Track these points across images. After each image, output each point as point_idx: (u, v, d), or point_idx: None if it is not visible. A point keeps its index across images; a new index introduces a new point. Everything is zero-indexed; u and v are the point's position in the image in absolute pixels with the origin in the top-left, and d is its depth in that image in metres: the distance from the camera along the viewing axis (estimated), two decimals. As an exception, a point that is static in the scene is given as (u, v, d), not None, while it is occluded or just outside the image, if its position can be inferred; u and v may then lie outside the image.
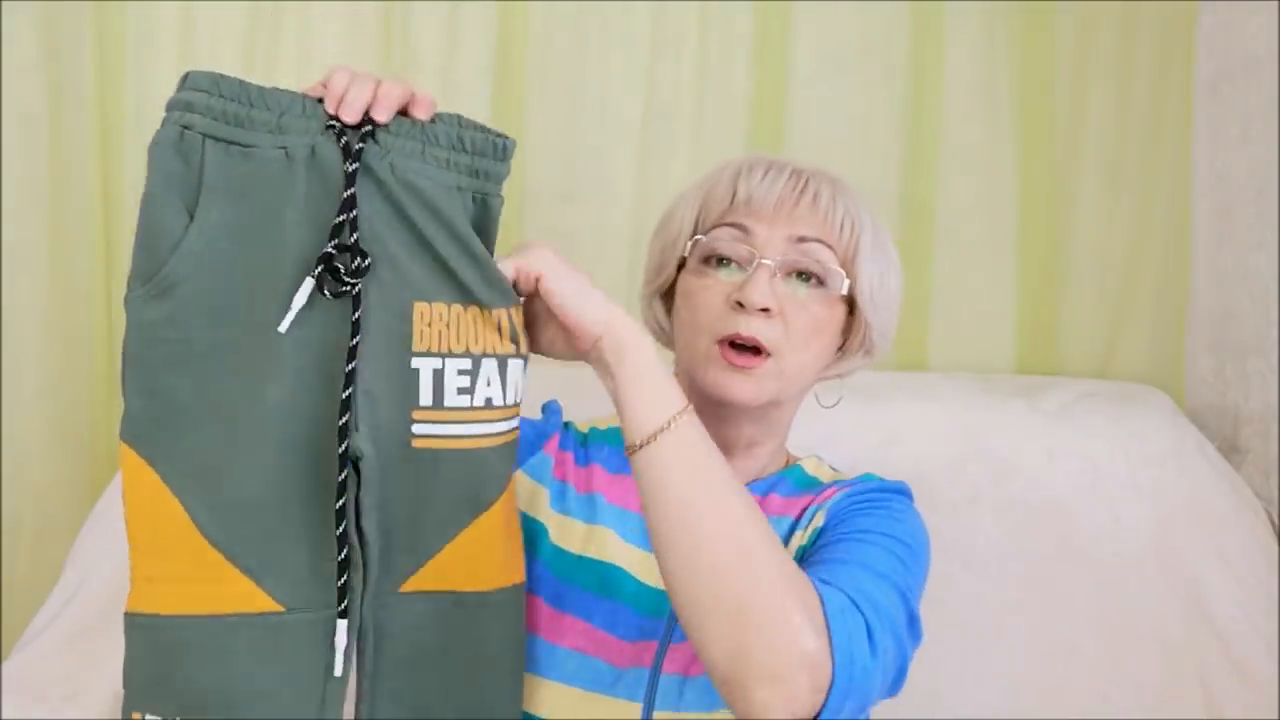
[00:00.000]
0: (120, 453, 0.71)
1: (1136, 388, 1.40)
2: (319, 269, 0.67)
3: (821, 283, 0.88)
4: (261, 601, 0.70)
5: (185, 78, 0.69)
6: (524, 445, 0.93)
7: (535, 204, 1.51)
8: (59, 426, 1.53)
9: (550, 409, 0.99)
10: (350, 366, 0.68)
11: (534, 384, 1.05)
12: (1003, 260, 1.50)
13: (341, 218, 0.68)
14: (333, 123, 0.69)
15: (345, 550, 0.69)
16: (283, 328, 0.67)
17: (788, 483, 0.93)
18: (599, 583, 0.87)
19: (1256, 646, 1.19)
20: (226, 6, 1.50)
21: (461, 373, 0.72)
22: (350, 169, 0.68)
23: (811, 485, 0.93)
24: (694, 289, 0.89)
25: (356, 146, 0.69)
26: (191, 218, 0.68)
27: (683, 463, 0.73)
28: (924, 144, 1.49)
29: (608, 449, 0.95)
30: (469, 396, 0.72)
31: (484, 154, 0.74)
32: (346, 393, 0.68)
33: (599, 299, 0.76)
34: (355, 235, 0.68)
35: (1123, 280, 1.49)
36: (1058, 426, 1.30)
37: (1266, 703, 1.16)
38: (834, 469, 0.98)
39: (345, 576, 0.70)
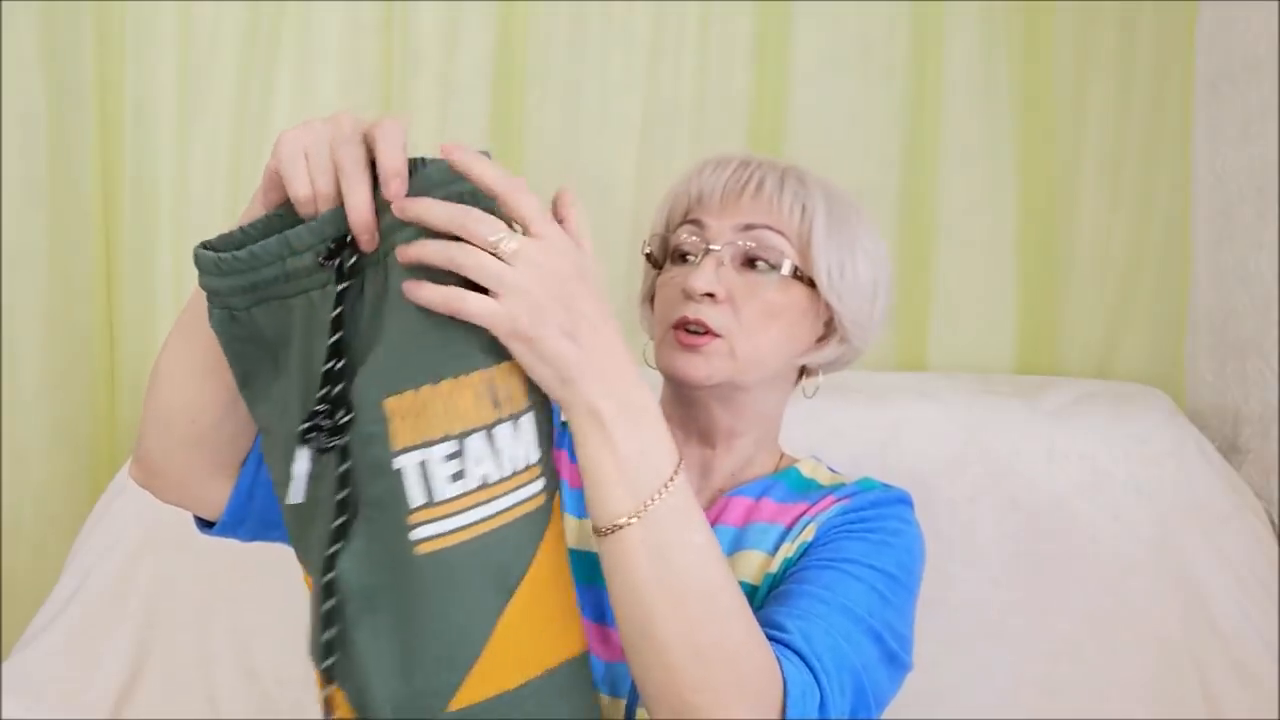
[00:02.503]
0: None
1: (1136, 388, 1.40)
2: (308, 433, 0.64)
3: (772, 267, 0.89)
4: None
5: (196, 261, 0.69)
6: None
7: (535, 204, 1.51)
8: (59, 426, 1.53)
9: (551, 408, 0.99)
10: (338, 521, 0.65)
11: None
12: (1003, 260, 1.50)
13: (330, 364, 0.65)
14: (325, 254, 0.65)
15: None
16: (291, 499, 0.65)
17: (783, 486, 0.92)
18: (585, 573, 0.87)
19: (1256, 646, 1.19)
20: (226, 6, 1.50)
21: (449, 458, 0.64)
22: (334, 314, 0.65)
23: (808, 488, 0.92)
24: (659, 286, 0.92)
25: (337, 288, 0.65)
26: (278, 375, 0.69)
27: (648, 554, 0.67)
28: (924, 144, 1.49)
29: None
30: (462, 482, 0.65)
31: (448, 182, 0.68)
32: (338, 521, 0.65)
33: (580, 362, 0.66)
34: (340, 386, 0.64)
35: (1123, 280, 1.49)
36: (1058, 426, 1.30)
37: (1266, 703, 1.16)
38: (832, 470, 0.97)
39: None
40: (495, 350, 0.65)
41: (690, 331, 0.86)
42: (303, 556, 0.71)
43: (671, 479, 0.68)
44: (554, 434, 0.71)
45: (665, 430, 0.69)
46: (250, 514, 0.81)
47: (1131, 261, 1.49)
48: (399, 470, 0.64)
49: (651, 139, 1.51)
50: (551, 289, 0.64)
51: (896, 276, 1.48)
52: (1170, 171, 1.48)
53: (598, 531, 0.68)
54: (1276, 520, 1.29)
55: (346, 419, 0.64)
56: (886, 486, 0.93)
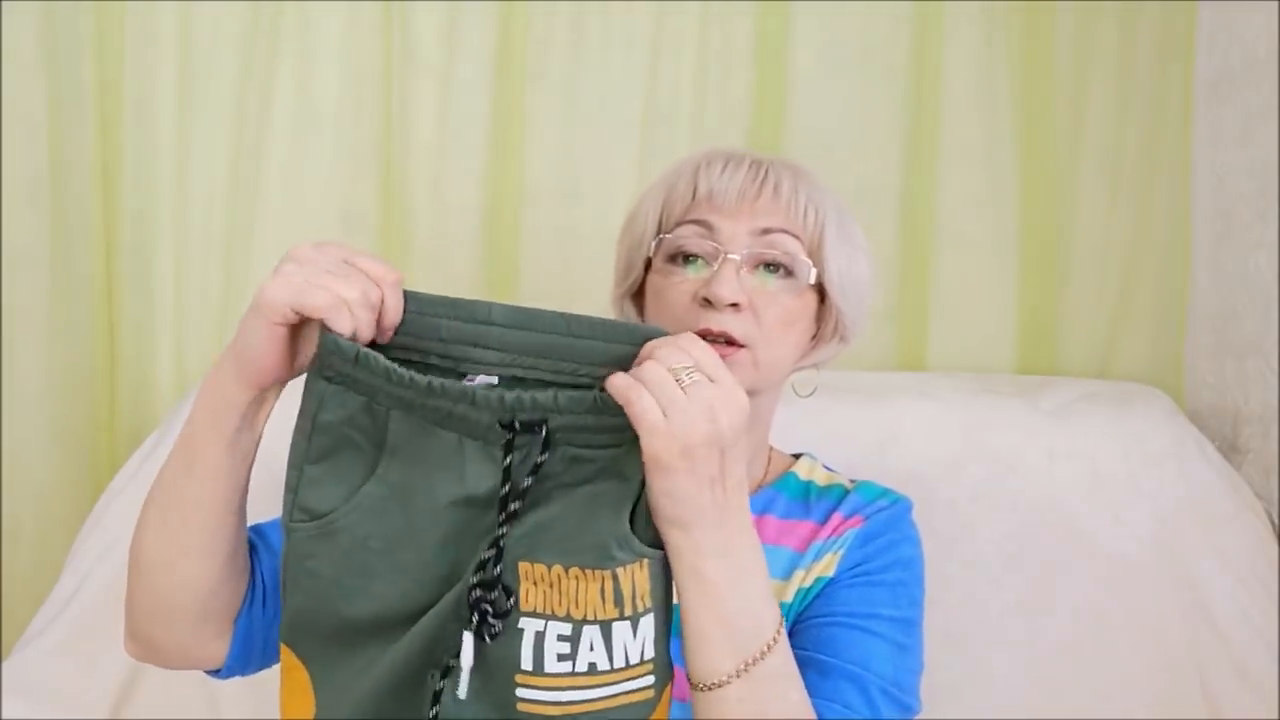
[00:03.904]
0: (282, 653, 0.73)
1: (1136, 388, 1.40)
2: (474, 618, 0.65)
3: (789, 273, 0.87)
4: None
5: (357, 357, 0.67)
6: None
7: (535, 204, 1.51)
8: (59, 426, 1.53)
9: None
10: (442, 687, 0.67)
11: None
12: (1003, 260, 1.50)
13: (490, 553, 0.65)
14: (508, 426, 0.66)
15: None
16: (462, 693, 0.66)
17: (783, 498, 0.92)
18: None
19: (1256, 646, 1.19)
20: (226, 6, 1.50)
21: (561, 638, 0.66)
22: (507, 511, 0.66)
23: (807, 493, 0.92)
24: (663, 288, 0.88)
25: (525, 481, 0.66)
26: (372, 472, 0.69)
27: (744, 715, 0.68)
28: (924, 143, 1.49)
29: None
30: (570, 663, 0.66)
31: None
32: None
33: (701, 515, 0.66)
34: (500, 567, 0.66)
35: (1123, 280, 1.49)
36: (1058, 426, 1.30)
37: (1266, 703, 1.16)
38: (828, 469, 0.97)
39: None
40: (629, 549, 0.66)
41: (712, 341, 0.83)
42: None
43: (774, 640, 0.68)
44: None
45: (770, 591, 0.69)
46: (253, 653, 0.81)
47: (1131, 261, 1.49)
48: (520, 629, 0.66)
49: (651, 139, 1.51)
50: (713, 434, 0.64)
51: (896, 276, 1.50)
52: (1170, 171, 1.48)
53: (695, 685, 0.68)
54: (1276, 520, 1.29)
55: (511, 602, 0.65)
56: (886, 492, 0.92)
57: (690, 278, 0.86)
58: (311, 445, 0.69)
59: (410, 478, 0.68)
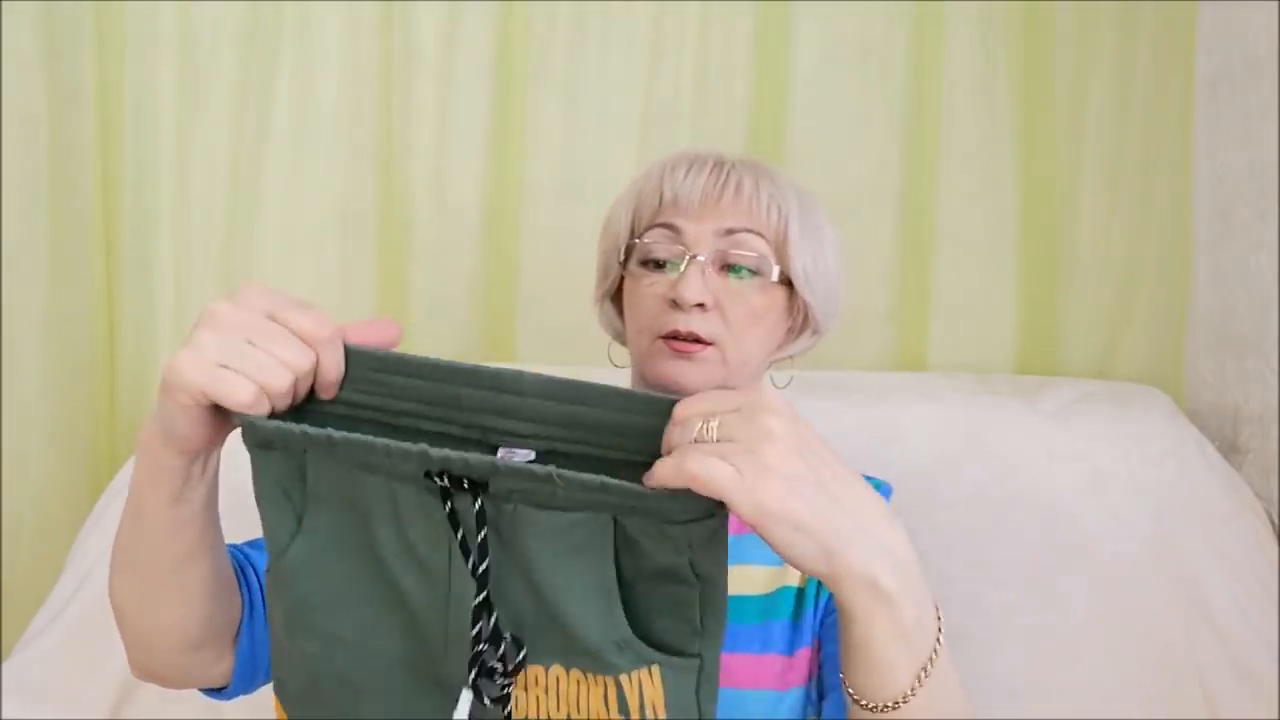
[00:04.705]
0: (275, 701, 0.68)
1: (1136, 388, 1.40)
2: (473, 675, 0.57)
3: (755, 272, 0.88)
4: None
5: (271, 442, 0.60)
6: None
7: (535, 204, 1.51)
8: (59, 426, 1.53)
9: None
10: None
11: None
12: (1003, 260, 1.50)
13: (480, 597, 0.57)
14: (433, 479, 0.57)
15: None
16: None
17: None
18: None
19: (1256, 646, 1.19)
20: (226, 6, 1.50)
21: None
22: (479, 538, 0.57)
23: None
24: (635, 291, 0.91)
25: (477, 522, 0.57)
26: (299, 523, 0.62)
27: None
28: (924, 144, 1.49)
29: None
30: None
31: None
32: None
33: (843, 522, 0.55)
34: (495, 617, 0.57)
35: (1123, 280, 1.49)
36: (1057, 426, 1.30)
37: (1266, 703, 1.16)
38: None
39: None
40: (632, 652, 0.58)
41: (681, 340, 0.85)
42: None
43: (939, 634, 0.60)
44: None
45: (923, 577, 0.60)
46: (259, 670, 0.80)
47: (1131, 261, 1.49)
48: None
49: (651, 139, 1.51)
50: (788, 448, 0.54)
51: (896, 276, 1.50)
52: (1170, 172, 1.48)
53: (872, 708, 0.59)
54: (1276, 520, 1.29)
55: (521, 656, 0.58)
56: (869, 479, 0.93)
57: (660, 280, 0.89)
58: (262, 495, 0.63)
59: (341, 525, 0.61)
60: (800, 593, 0.87)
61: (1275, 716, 1.15)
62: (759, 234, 0.88)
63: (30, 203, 1.50)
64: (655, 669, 0.58)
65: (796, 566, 0.55)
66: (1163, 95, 1.47)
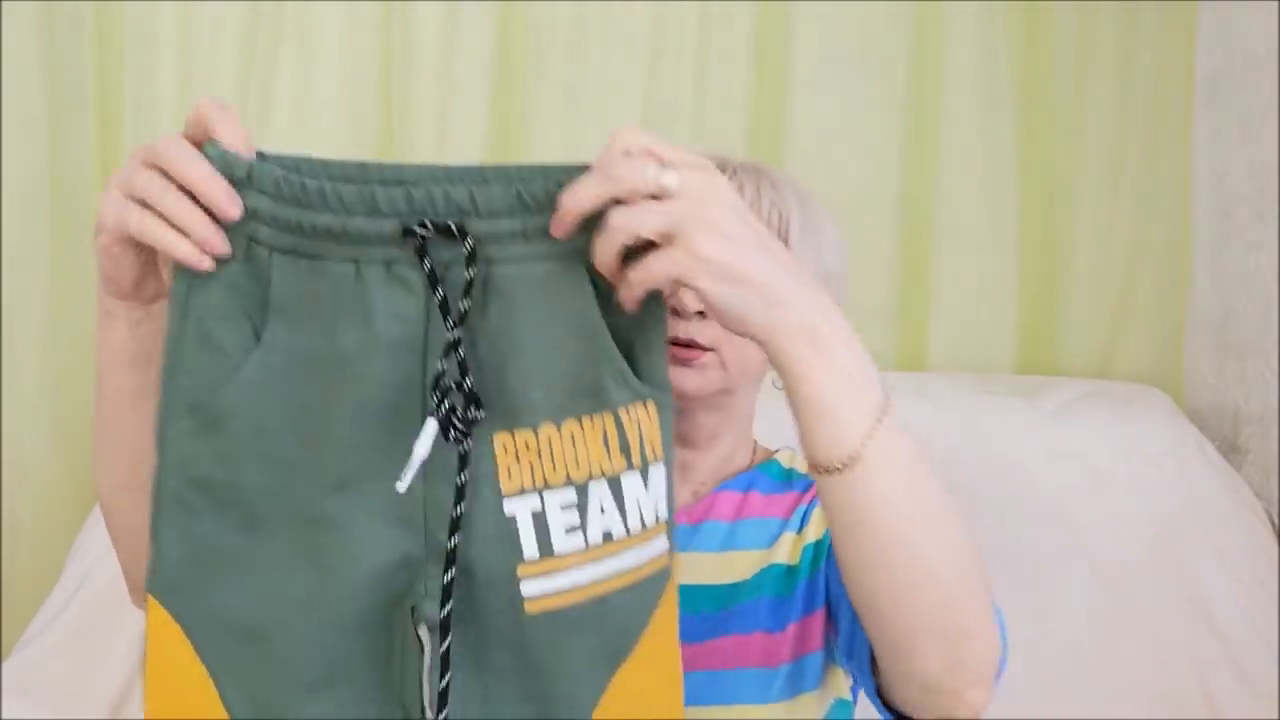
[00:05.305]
0: (147, 606, 0.59)
1: (1136, 388, 1.40)
2: (442, 409, 0.55)
3: None
4: None
5: (249, 173, 0.58)
6: None
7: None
8: (59, 426, 1.53)
9: None
10: (453, 543, 0.56)
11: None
12: (1003, 260, 1.50)
13: (455, 334, 0.55)
14: (412, 231, 0.56)
15: None
16: (402, 486, 0.55)
17: (766, 479, 0.93)
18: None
19: (1256, 646, 1.19)
20: (226, 6, 1.50)
21: (566, 508, 0.57)
22: (462, 310, 0.55)
23: (790, 478, 0.93)
24: None
25: (462, 304, 0.55)
26: (258, 340, 0.58)
27: (895, 479, 0.60)
28: (924, 144, 1.49)
29: None
30: (581, 535, 0.57)
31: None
32: (452, 543, 0.56)
33: (781, 275, 0.56)
34: (469, 379, 0.56)
35: (1123, 280, 1.49)
36: (1058, 426, 1.30)
37: (1266, 703, 1.16)
38: None
39: None
40: (629, 386, 0.58)
41: (681, 346, 0.85)
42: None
43: (889, 391, 0.60)
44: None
45: (862, 347, 0.61)
46: None
47: (1131, 261, 1.49)
48: (511, 517, 0.57)
49: (651, 139, 1.51)
50: (731, 209, 0.56)
51: (896, 276, 1.50)
52: (1170, 171, 1.48)
53: (829, 470, 0.58)
54: (1276, 520, 1.29)
55: (478, 415, 0.56)
56: None
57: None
58: (186, 335, 0.59)
59: (304, 336, 0.57)
60: (790, 570, 0.87)
61: (1275, 717, 1.15)
62: None
63: (30, 203, 1.50)
64: (650, 404, 0.58)
65: (733, 320, 0.56)
66: (1163, 95, 1.47)
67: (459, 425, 0.55)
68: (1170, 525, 1.25)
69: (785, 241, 0.89)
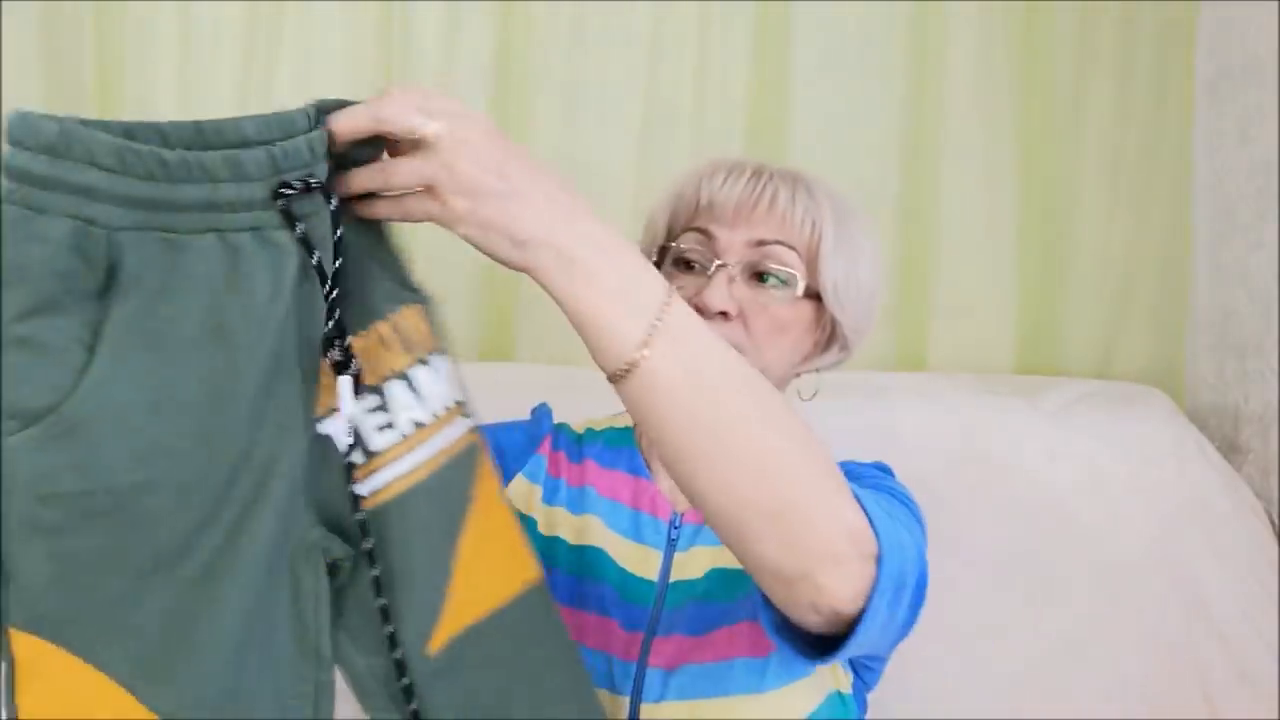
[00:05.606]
0: (13, 644, 0.55)
1: (1136, 388, 1.40)
2: (352, 366, 0.60)
3: (783, 283, 0.88)
4: None
5: (65, 140, 0.52)
6: (517, 450, 0.95)
7: (535, 204, 1.51)
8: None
9: (540, 412, 1.01)
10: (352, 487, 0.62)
11: (525, 387, 1.04)
12: (1003, 260, 1.50)
13: (332, 290, 0.59)
14: (282, 193, 0.56)
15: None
16: (340, 438, 0.61)
17: None
18: (580, 565, 0.88)
19: (1256, 646, 1.19)
20: (226, 6, 1.50)
21: (373, 410, 0.62)
22: (335, 238, 0.60)
23: None
24: None
25: (335, 264, 0.59)
26: (97, 336, 0.53)
27: (679, 375, 0.61)
28: (924, 144, 1.49)
29: (601, 444, 0.96)
30: (393, 431, 0.63)
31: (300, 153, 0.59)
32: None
33: (529, 217, 0.61)
34: (347, 342, 0.61)
35: (1123, 280, 1.49)
36: (1058, 426, 1.30)
37: (1266, 703, 1.16)
38: None
39: None
40: (394, 296, 0.64)
41: None
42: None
43: (669, 298, 0.62)
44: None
45: (645, 260, 0.64)
46: None
47: (1131, 261, 1.49)
48: (328, 436, 0.61)
49: (651, 139, 1.51)
50: (486, 160, 0.60)
51: (896, 276, 1.50)
52: (1170, 171, 1.48)
53: (616, 377, 0.61)
54: (1276, 520, 1.29)
55: (359, 369, 0.61)
56: (864, 463, 0.94)
57: (689, 284, 0.89)
58: (11, 304, 0.52)
59: (168, 316, 0.54)
60: None
61: (1275, 717, 1.15)
62: (790, 247, 0.88)
63: (30, 203, 1.50)
64: (418, 308, 0.66)
65: (498, 260, 0.61)
66: (1163, 95, 1.47)
67: (356, 378, 0.60)
68: (1170, 525, 1.25)
69: (817, 251, 0.89)
